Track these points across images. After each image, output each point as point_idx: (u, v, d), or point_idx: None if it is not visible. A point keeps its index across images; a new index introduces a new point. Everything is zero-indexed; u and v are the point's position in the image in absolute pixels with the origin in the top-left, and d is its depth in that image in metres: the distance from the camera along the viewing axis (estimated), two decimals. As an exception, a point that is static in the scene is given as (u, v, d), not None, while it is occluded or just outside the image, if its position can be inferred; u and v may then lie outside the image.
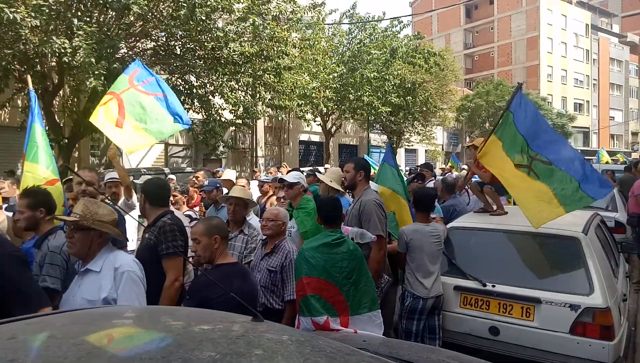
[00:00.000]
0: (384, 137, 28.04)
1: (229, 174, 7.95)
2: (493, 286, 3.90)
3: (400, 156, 30.47)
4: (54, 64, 11.61)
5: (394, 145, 26.95)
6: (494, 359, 2.68)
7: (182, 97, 13.69)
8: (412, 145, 29.06)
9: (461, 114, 34.03)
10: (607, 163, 21.01)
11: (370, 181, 4.43)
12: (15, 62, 10.12)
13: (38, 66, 11.15)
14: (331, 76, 19.25)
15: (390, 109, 21.85)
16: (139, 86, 4.91)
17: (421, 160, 32.18)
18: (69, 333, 1.25)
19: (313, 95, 18.17)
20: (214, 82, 13.77)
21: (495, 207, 5.20)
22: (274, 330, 1.48)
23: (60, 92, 13.00)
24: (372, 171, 14.97)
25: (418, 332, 3.91)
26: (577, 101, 50.71)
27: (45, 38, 9.30)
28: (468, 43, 54.37)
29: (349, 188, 4.32)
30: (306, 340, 1.45)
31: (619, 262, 4.89)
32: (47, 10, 9.18)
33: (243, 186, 5.69)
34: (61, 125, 13.15)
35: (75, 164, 16.07)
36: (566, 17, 49.83)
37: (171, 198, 4.84)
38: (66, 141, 12.21)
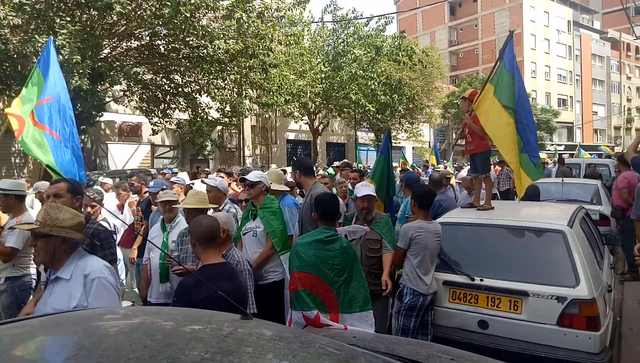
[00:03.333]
0: (372, 135, 28.13)
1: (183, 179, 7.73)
2: (481, 280, 3.92)
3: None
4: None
5: (380, 143, 27.04)
6: (483, 352, 2.70)
7: (168, 96, 13.61)
8: (399, 142, 29.17)
9: (447, 110, 34.26)
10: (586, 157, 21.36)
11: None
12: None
13: (19, 67, 10.97)
14: (318, 76, 19.25)
15: (377, 107, 21.92)
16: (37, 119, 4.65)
17: (408, 157, 32.33)
18: (56, 335, 1.22)
19: (300, 93, 18.16)
20: (200, 80, 13.69)
21: (482, 202, 5.25)
22: (263, 328, 1.47)
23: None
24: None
25: (415, 328, 3.90)
26: (561, 97, 51.38)
27: (26, 37, 9.15)
28: (453, 40, 54.73)
29: (298, 187, 4.53)
30: (295, 336, 1.45)
31: (603, 254, 4.96)
32: (28, 9, 9.04)
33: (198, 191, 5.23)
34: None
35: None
36: (548, 13, 50.44)
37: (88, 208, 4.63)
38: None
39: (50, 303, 2.36)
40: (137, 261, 6.02)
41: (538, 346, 3.60)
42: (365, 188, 4.29)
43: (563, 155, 21.28)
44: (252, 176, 4.50)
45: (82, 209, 3.52)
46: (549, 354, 3.54)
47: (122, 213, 6.65)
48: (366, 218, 4.21)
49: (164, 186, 5.59)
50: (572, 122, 51.50)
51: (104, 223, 4.29)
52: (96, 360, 1.01)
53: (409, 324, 3.89)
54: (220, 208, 4.85)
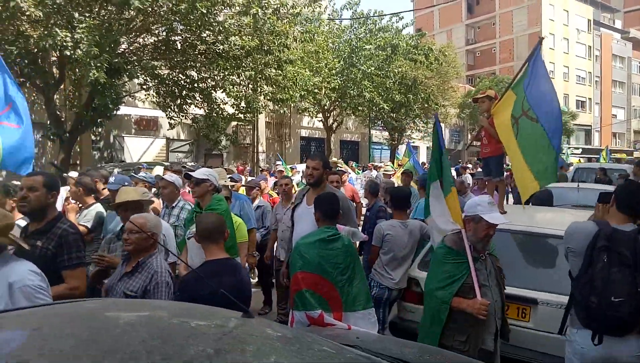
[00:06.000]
0: (386, 133, 28.02)
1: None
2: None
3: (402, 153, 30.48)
4: (54, 58, 11.63)
5: (395, 141, 26.96)
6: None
7: (184, 91, 13.76)
8: (413, 142, 29.02)
9: (463, 110, 33.95)
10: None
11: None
12: (17, 58, 10.15)
13: (39, 61, 11.17)
14: (333, 71, 19.24)
15: (391, 106, 21.82)
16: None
17: (423, 157, 32.17)
18: (54, 327, 1.25)
19: (315, 90, 18.17)
20: (216, 76, 13.79)
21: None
22: (264, 327, 1.49)
23: (62, 86, 13.02)
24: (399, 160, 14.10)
25: (382, 320, 4.06)
26: (579, 99, 50.50)
27: (46, 32, 9.31)
28: (470, 39, 54.15)
29: (315, 184, 4.02)
30: (295, 336, 1.46)
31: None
32: (49, 3, 9.20)
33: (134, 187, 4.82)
34: (62, 119, 13.17)
35: (77, 159, 16.11)
36: (568, 12, 49.55)
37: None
38: (67, 135, 12.24)
39: None
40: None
41: (546, 356, 3.55)
42: (495, 212, 3.14)
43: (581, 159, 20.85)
44: (199, 174, 4.08)
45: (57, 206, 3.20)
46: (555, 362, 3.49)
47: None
48: (485, 247, 3.18)
49: (125, 183, 5.01)
50: (591, 125, 50.61)
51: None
52: (93, 352, 1.04)
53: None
54: (173, 205, 4.73)
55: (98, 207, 4.69)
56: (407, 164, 11.70)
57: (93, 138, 17.27)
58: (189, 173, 4.29)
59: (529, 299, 3.69)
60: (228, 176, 6.81)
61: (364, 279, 3.35)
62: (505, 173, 5.84)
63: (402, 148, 21.30)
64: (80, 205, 4.78)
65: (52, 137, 12.71)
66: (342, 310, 3.12)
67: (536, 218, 4.98)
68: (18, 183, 3.66)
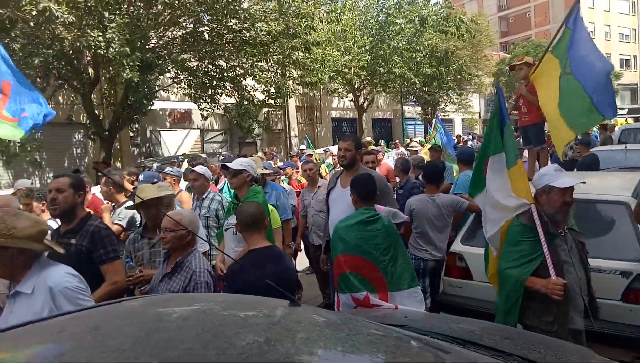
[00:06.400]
0: (419, 108, 27.50)
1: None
2: (536, 256, 3.78)
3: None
4: (89, 58, 11.94)
5: (428, 116, 26.45)
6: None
7: (214, 81, 13.91)
8: (447, 115, 28.36)
9: (498, 79, 32.85)
10: None
11: None
12: (54, 61, 10.49)
13: (75, 62, 11.50)
14: (363, 49, 18.95)
15: (423, 80, 21.35)
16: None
17: (457, 130, 31.43)
18: (111, 327, 1.29)
19: (344, 70, 17.99)
20: (244, 64, 13.86)
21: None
22: (312, 314, 1.49)
23: (98, 85, 13.38)
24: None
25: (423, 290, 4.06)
26: (623, 57, 47.88)
27: (79, 33, 9.56)
28: (502, 5, 52.05)
29: (348, 166, 3.97)
30: (343, 322, 1.45)
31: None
32: (81, 6, 9.44)
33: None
34: (101, 118, 13.57)
35: (119, 156, 16.64)
36: (608, -33, 46.85)
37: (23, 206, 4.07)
38: (107, 133, 12.61)
39: (11, 321, 2.06)
40: None
41: (601, 322, 3.45)
42: (564, 176, 2.92)
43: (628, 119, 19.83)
44: (236, 164, 3.99)
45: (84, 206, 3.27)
46: (613, 331, 3.38)
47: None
48: (566, 220, 3.01)
49: (155, 179, 4.96)
50: (637, 84, 47.99)
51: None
52: (151, 350, 1.06)
53: None
54: (204, 197, 4.73)
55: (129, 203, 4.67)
56: (435, 138, 11.41)
57: (131, 134, 17.74)
58: (226, 163, 4.22)
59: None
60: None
61: (408, 258, 3.32)
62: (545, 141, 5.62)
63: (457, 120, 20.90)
64: (113, 204, 4.82)
65: (92, 136, 13.14)
66: (388, 290, 3.10)
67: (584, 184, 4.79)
68: (32, 186, 3.64)
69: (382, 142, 17.76)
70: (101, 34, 9.52)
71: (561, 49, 4.51)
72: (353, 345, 1.29)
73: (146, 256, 3.42)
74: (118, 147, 16.55)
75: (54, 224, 3.52)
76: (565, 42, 4.46)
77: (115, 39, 9.42)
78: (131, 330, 1.23)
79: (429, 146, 10.08)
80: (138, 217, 4.52)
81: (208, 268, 2.91)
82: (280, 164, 9.62)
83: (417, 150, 10.50)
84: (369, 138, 11.70)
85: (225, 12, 11.29)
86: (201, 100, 14.64)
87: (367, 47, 19.23)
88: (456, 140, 18.22)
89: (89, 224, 3.01)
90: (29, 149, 10.50)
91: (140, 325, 1.28)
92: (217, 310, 1.49)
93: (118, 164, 15.70)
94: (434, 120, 15.07)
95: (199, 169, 5.05)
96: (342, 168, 4.20)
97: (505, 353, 1.90)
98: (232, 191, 4.34)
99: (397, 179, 6.47)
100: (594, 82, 4.23)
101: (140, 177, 5.34)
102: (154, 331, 1.22)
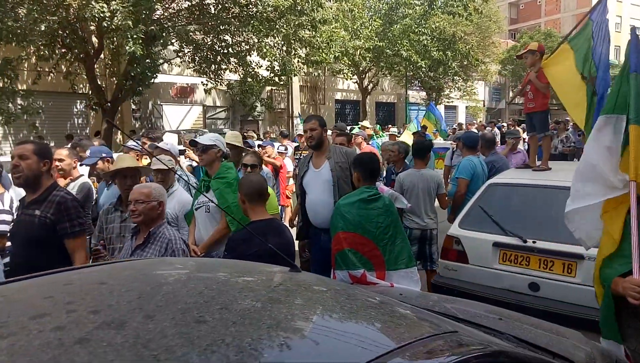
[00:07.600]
0: (423, 93, 27.33)
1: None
2: (534, 242, 3.82)
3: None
4: (93, 28, 11.84)
5: (433, 101, 26.30)
6: (533, 315, 2.67)
7: (219, 56, 13.81)
8: (452, 101, 28.21)
9: (504, 67, 32.56)
10: None
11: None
12: (59, 28, 10.40)
13: (79, 31, 11.41)
14: (372, 33, 18.75)
15: (429, 64, 21.16)
16: None
17: (461, 118, 31.28)
18: (118, 283, 1.33)
19: (351, 51, 17.81)
20: (250, 40, 13.74)
21: (539, 163, 5.05)
22: (312, 280, 1.53)
23: (102, 55, 13.29)
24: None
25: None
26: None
27: (84, 2, 9.47)
28: (513, -9, 51.29)
29: (316, 146, 3.84)
30: (342, 289, 1.49)
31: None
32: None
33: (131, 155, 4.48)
34: (103, 89, 13.51)
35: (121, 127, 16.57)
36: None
37: None
38: (109, 104, 12.57)
39: None
40: None
41: (592, 310, 3.50)
42: None
43: None
44: (205, 139, 3.79)
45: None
46: None
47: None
48: None
49: (104, 154, 4.64)
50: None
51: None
52: (156, 303, 1.10)
53: None
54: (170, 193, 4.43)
55: (83, 179, 4.36)
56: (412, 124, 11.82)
57: (133, 106, 17.68)
58: (195, 139, 3.98)
59: (575, 254, 3.62)
60: (244, 141, 6.37)
61: (406, 238, 3.36)
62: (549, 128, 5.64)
63: (440, 109, 20.80)
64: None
65: (94, 107, 13.09)
66: (385, 269, 3.15)
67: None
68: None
69: (377, 126, 17.26)
70: (105, 5, 9.42)
71: (580, 43, 4.43)
72: (352, 309, 1.33)
73: (116, 229, 3.32)
74: (119, 119, 16.50)
75: (22, 193, 3.24)
76: (586, 36, 4.39)
77: (120, 10, 9.32)
78: (138, 286, 1.27)
79: (412, 131, 10.52)
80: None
81: (183, 237, 2.87)
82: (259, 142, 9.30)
83: (395, 135, 11.07)
84: (365, 122, 11.45)
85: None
86: (205, 75, 14.56)
87: (377, 31, 19.02)
88: (458, 128, 18.17)
89: (54, 194, 2.83)
90: (30, 113, 10.50)
91: (146, 282, 1.32)
92: (220, 272, 1.53)
93: (119, 137, 15.67)
94: (442, 107, 15.12)
95: (164, 144, 4.93)
96: (311, 150, 4.01)
97: (499, 332, 1.95)
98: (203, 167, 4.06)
99: (386, 164, 6.41)
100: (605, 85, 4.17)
101: (87, 153, 4.94)
102: (158, 286, 1.26)
